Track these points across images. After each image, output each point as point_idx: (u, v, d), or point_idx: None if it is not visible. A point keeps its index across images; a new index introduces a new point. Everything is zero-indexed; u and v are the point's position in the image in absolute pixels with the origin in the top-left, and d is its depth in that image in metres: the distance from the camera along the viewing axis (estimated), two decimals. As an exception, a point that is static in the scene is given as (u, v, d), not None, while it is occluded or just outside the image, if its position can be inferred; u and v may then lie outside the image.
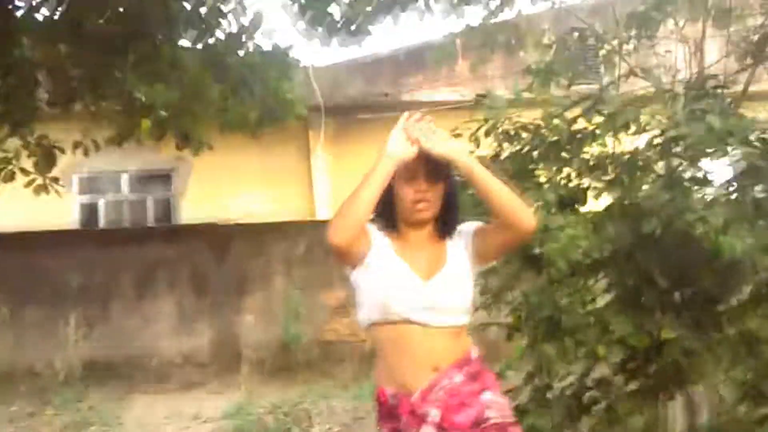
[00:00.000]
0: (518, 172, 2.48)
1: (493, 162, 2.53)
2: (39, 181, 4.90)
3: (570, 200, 2.28)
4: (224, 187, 8.37)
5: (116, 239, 7.23)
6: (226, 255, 7.06)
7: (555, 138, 2.52)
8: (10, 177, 5.00)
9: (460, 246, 1.80)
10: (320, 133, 8.65)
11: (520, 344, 2.51)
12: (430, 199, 1.75)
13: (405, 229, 1.80)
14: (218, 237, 7.15)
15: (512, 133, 2.59)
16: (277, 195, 8.84)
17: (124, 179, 8.81)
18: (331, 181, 9.02)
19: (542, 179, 2.37)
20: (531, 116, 2.73)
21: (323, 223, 8.41)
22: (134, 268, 6.93)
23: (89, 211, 8.72)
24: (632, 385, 2.47)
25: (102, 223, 8.64)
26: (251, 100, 4.78)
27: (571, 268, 1.97)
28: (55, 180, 4.95)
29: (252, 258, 7.11)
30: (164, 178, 8.91)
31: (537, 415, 2.63)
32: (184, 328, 6.94)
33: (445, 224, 1.81)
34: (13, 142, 4.96)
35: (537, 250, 1.95)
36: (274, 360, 6.70)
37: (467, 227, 1.83)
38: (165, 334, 6.89)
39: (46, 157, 5.00)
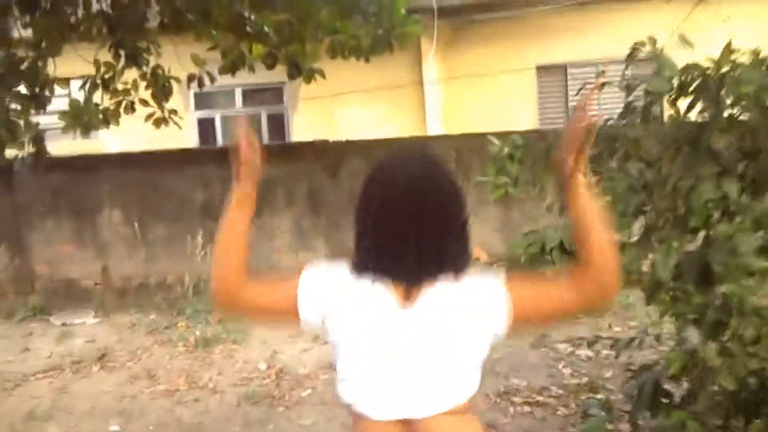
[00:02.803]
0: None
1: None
2: (158, 113, 4.94)
3: None
4: (334, 99, 8.20)
5: (234, 156, 7.35)
6: (339, 172, 7.03)
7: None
8: (131, 108, 5.07)
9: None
10: (433, 39, 8.15)
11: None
12: None
13: None
14: (331, 154, 7.09)
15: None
16: (388, 108, 8.59)
17: (238, 93, 8.85)
18: (442, 93, 8.62)
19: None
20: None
21: (434, 139, 8.19)
22: (252, 186, 7.06)
23: (206, 127, 8.92)
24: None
25: (219, 138, 8.81)
26: (364, 23, 4.47)
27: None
28: (174, 112, 4.97)
29: (364, 174, 7.02)
30: (276, 91, 8.86)
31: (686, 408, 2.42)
32: (301, 243, 7.10)
33: None
34: (131, 74, 4.97)
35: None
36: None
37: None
38: (283, 250, 7.08)
39: (162, 88, 5.01)
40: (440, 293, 1.37)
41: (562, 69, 8.57)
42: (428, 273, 1.38)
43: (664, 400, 2.64)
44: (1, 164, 4.71)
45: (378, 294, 1.39)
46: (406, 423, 1.35)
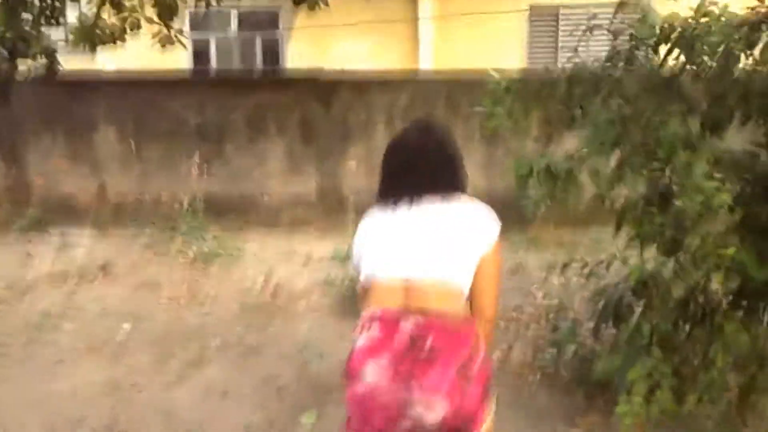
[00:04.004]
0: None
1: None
2: (165, 32, 5.08)
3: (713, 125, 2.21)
4: (329, 30, 8.28)
5: (229, 82, 7.49)
6: (331, 102, 7.21)
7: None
8: (137, 26, 5.19)
9: None
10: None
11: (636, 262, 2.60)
12: None
13: None
14: (324, 84, 7.24)
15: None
16: (380, 42, 8.69)
17: (233, 17, 8.86)
18: (435, 30, 8.73)
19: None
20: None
21: (425, 73, 8.34)
22: (246, 111, 7.23)
23: (201, 49, 8.95)
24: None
25: (213, 60, 8.87)
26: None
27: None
28: (180, 32, 5.11)
29: (356, 105, 7.23)
30: (272, 17, 8.88)
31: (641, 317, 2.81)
32: (293, 170, 7.34)
33: None
34: (138, -8, 5.08)
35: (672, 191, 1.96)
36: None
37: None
38: (275, 175, 7.33)
39: (168, 7, 5.13)
40: (438, 203, 1.84)
41: (554, 10, 8.71)
42: (427, 191, 1.85)
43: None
44: (12, 76, 4.84)
45: (391, 206, 1.88)
46: (405, 281, 1.75)
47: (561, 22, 8.67)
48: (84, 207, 7.32)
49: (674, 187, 2.01)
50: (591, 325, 3.46)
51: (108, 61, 8.19)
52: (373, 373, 1.65)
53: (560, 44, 8.67)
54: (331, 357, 3.60)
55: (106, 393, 3.45)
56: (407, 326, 1.66)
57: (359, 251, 1.92)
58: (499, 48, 8.53)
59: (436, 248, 1.77)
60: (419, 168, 1.88)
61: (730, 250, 2.12)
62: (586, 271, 3.28)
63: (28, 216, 7.14)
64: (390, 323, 1.68)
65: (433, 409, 1.60)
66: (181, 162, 7.12)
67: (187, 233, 6.62)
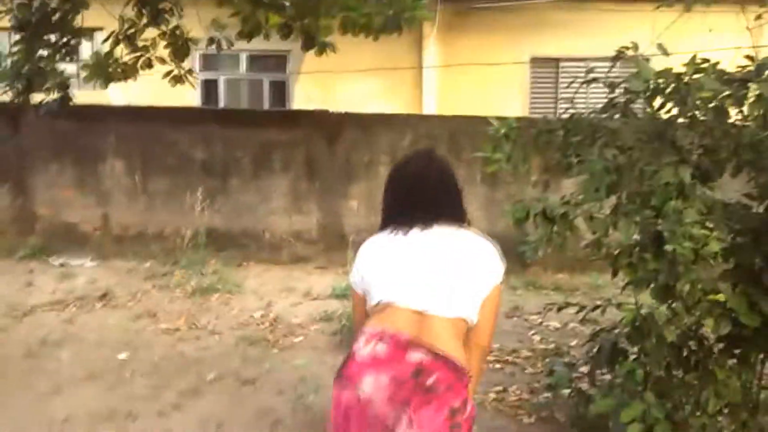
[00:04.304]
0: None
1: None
2: (175, 72, 5.23)
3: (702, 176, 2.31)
4: (335, 73, 8.49)
5: (236, 119, 7.64)
6: (336, 141, 7.37)
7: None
8: (148, 65, 5.34)
9: None
10: (434, 23, 8.48)
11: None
12: None
13: None
14: (329, 124, 7.40)
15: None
16: (386, 87, 8.91)
17: (243, 58, 9.11)
18: (439, 77, 8.97)
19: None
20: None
21: (429, 117, 8.52)
22: (251, 148, 7.38)
23: (210, 88, 9.17)
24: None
25: (222, 100, 9.07)
26: (376, 3, 4.79)
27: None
28: (190, 72, 5.27)
29: (360, 146, 7.38)
30: (280, 59, 9.13)
31: (634, 363, 2.86)
32: (295, 207, 7.45)
33: None
34: (151, 32, 5.24)
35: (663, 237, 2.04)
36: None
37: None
38: (277, 211, 7.43)
39: (181, 48, 5.29)
40: (449, 231, 1.89)
41: (554, 63, 8.97)
42: (435, 216, 1.90)
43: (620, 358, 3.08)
44: (26, 108, 4.97)
45: (401, 231, 1.90)
46: (420, 314, 1.79)
47: (561, 73, 8.92)
48: (86, 237, 7.41)
49: (666, 234, 2.09)
50: (586, 368, 3.51)
51: (117, 94, 8.38)
52: (371, 387, 1.71)
53: (560, 94, 8.90)
54: (327, 391, 3.56)
55: (103, 420, 3.46)
56: (415, 356, 1.73)
57: (366, 274, 1.92)
58: (502, 96, 8.75)
59: (452, 282, 1.82)
60: (427, 193, 1.93)
61: (720, 296, 2.19)
62: (582, 315, 3.34)
63: (30, 244, 7.23)
64: (399, 347, 1.74)
65: None
66: (186, 196, 7.25)
67: (187, 266, 6.70)
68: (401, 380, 1.71)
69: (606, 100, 2.81)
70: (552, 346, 4.68)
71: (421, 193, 1.94)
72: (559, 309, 3.51)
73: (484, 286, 1.86)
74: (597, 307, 3.51)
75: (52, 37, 4.59)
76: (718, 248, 2.02)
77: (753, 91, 2.26)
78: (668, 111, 2.43)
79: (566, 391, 3.55)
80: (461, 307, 1.82)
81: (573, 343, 4.69)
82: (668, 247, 2.05)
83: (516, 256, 6.63)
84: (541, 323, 5.23)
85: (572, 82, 2.95)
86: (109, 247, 7.31)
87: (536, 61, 9.02)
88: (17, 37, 4.48)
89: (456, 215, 1.95)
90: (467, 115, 7.02)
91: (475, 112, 7.03)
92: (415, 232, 1.88)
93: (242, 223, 7.40)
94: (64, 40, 4.62)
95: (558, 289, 6.27)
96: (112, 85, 5.41)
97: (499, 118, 3.14)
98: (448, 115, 7.83)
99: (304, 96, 9.06)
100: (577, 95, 3.02)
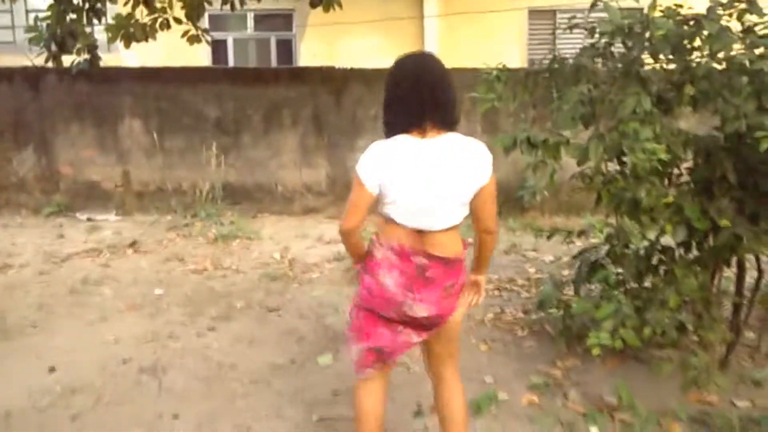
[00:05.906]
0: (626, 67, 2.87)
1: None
2: (192, 32, 5.59)
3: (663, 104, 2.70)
4: (339, 28, 8.78)
5: (247, 77, 7.98)
6: (342, 97, 7.72)
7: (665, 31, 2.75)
8: (167, 25, 5.70)
9: None
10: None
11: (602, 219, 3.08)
12: None
13: None
14: (335, 79, 7.74)
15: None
16: (387, 40, 9.20)
17: (250, 18, 9.40)
18: (440, 28, 9.24)
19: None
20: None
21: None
22: (262, 105, 7.74)
23: (219, 48, 9.48)
24: (691, 255, 3.06)
25: (231, 59, 9.39)
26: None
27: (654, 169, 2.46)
28: (206, 31, 5.62)
29: (365, 100, 7.73)
30: (286, 17, 9.41)
31: (610, 270, 3.30)
32: (305, 161, 7.85)
33: None
34: (168, -6, 5.59)
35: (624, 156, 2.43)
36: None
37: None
38: (288, 165, 7.83)
39: (196, 8, 5.64)
40: (447, 138, 2.11)
41: (551, 13, 9.24)
42: (430, 120, 2.08)
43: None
44: (59, 68, 5.35)
45: (403, 139, 2.12)
46: (420, 231, 2.20)
47: (558, 21, 9.21)
48: (109, 194, 7.85)
49: (625, 150, 2.50)
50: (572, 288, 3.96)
51: (131, 57, 8.72)
52: (389, 280, 2.21)
53: (557, 44, 9.19)
54: (345, 313, 4.07)
55: (147, 341, 3.95)
56: (417, 260, 2.20)
57: (385, 187, 2.09)
58: (501, 47, 9.05)
59: (449, 204, 2.11)
60: (429, 88, 2.07)
61: (669, 199, 2.61)
62: (572, 247, 3.78)
63: (56, 202, 7.68)
64: (406, 255, 2.20)
65: (422, 309, 2.22)
66: (201, 152, 7.66)
67: (206, 218, 7.15)
68: (408, 276, 2.20)
69: (585, 45, 3.19)
70: (545, 275, 5.13)
71: (424, 86, 2.06)
72: (549, 236, 3.96)
73: (477, 180, 2.11)
74: (582, 232, 3.97)
75: (80, 1, 4.96)
76: (665, 157, 2.43)
77: (705, 29, 2.64)
78: (630, 49, 2.81)
79: (553, 310, 4.01)
80: (454, 218, 2.20)
81: (565, 273, 5.14)
82: (626, 159, 2.45)
83: (515, 201, 7.08)
84: (536, 258, 5.68)
85: (561, 29, 3.32)
86: (131, 203, 7.75)
87: (534, 13, 9.29)
88: (50, 1, 4.83)
89: (453, 114, 2.13)
90: (467, 68, 7.33)
91: (476, 61, 7.35)
92: (423, 145, 2.06)
93: (255, 177, 7.81)
94: (91, 3, 4.98)
95: (554, 230, 6.68)
96: (126, 48, 5.76)
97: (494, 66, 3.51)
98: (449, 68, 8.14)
99: (309, 53, 9.38)
100: (568, 42, 3.39)
